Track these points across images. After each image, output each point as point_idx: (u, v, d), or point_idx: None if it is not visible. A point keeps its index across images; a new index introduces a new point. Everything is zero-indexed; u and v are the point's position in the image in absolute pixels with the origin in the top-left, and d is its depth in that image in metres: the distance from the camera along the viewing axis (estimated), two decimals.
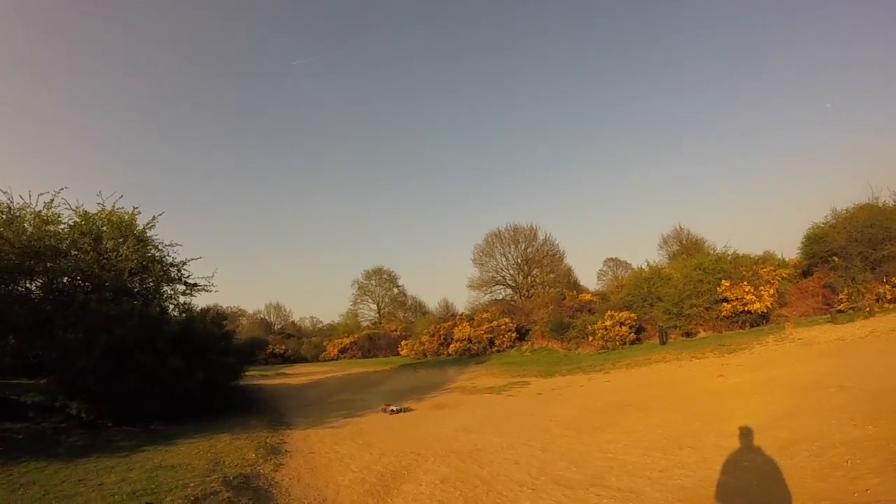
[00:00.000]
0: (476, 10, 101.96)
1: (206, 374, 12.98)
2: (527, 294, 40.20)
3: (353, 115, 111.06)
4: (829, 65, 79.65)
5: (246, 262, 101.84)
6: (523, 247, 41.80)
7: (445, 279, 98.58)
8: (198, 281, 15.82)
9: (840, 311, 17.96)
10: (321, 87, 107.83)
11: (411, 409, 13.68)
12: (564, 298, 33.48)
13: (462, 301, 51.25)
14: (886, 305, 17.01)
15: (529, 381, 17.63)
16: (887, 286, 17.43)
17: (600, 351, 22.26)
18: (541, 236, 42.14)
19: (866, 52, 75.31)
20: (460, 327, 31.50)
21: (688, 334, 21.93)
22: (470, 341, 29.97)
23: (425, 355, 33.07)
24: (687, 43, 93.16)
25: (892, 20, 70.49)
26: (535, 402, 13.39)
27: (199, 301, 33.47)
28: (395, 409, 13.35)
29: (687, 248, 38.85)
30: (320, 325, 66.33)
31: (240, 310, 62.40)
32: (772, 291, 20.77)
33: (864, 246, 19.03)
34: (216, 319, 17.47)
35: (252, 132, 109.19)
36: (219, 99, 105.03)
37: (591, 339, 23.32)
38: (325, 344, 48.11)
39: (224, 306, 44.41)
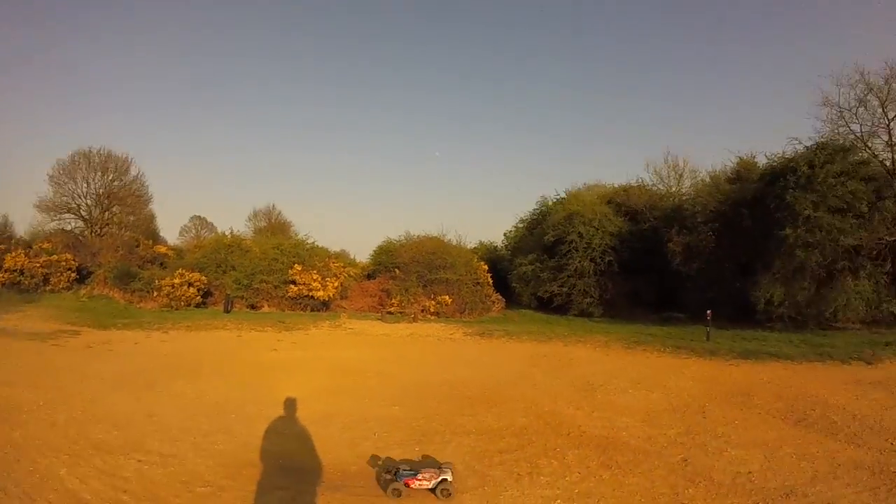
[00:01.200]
0: None
1: None
2: (99, 232, 35.89)
3: None
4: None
5: None
6: (111, 178, 36.90)
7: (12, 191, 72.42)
8: None
9: (390, 313, 22.61)
10: None
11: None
12: (138, 246, 32.95)
13: (25, 223, 40.20)
14: (429, 316, 22.53)
15: (81, 330, 16.95)
16: (432, 302, 23.21)
17: (164, 308, 22.43)
18: (133, 171, 38.05)
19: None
20: (14, 254, 27.50)
21: (253, 307, 23.66)
22: (22, 274, 26.82)
23: None
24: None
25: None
26: (83, 355, 13.01)
27: None
28: None
29: (274, 227, 42.18)
30: None
31: None
32: (336, 284, 24.46)
33: (423, 267, 24.79)
34: None
35: None
36: None
37: (156, 294, 23.25)
38: None
39: None
